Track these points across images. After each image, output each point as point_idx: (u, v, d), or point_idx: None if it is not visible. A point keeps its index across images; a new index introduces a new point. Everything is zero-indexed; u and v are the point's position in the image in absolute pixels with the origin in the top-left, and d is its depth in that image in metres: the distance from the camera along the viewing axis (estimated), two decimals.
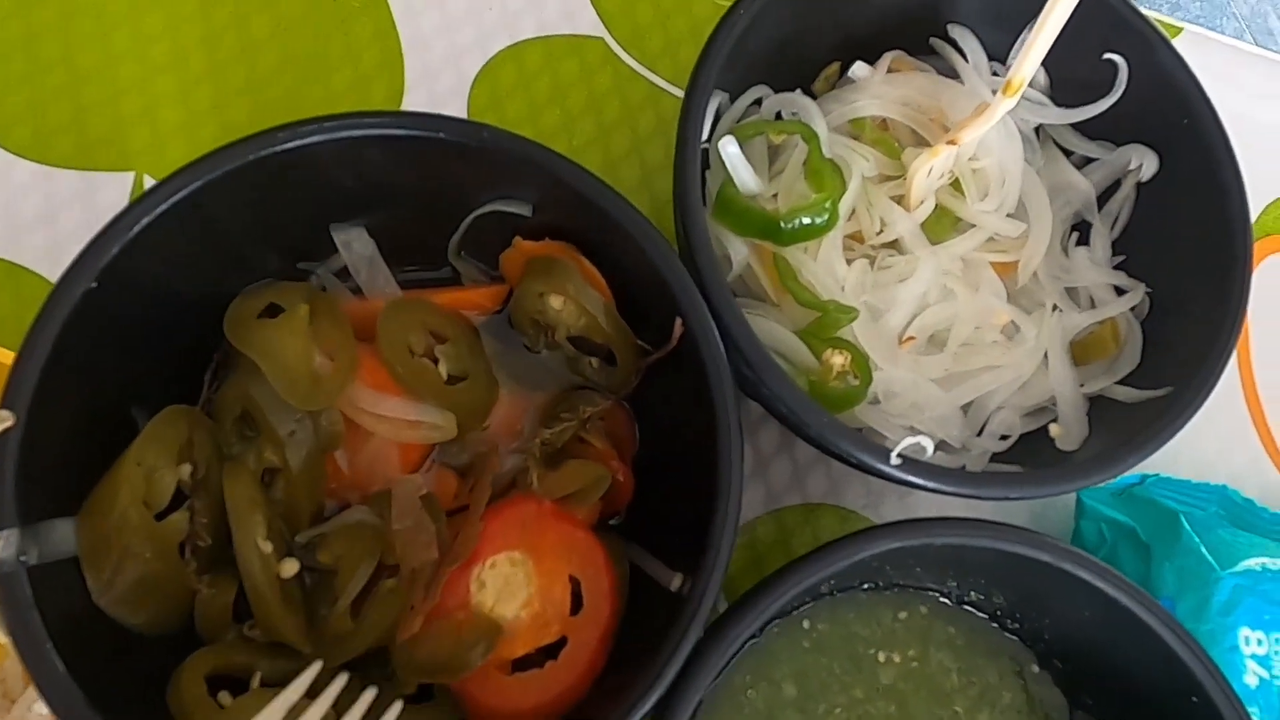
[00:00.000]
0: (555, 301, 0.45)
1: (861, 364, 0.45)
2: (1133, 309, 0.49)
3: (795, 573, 0.38)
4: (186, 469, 0.42)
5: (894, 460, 0.39)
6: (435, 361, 0.46)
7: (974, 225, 0.50)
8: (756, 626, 0.38)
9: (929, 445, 0.40)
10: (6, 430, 0.36)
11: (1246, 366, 0.62)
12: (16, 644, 0.34)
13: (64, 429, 0.38)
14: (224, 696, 0.38)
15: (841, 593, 0.47)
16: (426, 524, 0.42)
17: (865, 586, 0.48)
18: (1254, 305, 0.46)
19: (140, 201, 0.38)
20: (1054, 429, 0.46)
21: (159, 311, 0.42)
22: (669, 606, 0.40)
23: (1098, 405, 0.48)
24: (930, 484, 0.39)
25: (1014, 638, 0.48)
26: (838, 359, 0.45)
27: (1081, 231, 0.53)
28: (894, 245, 0.50)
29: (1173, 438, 0.42)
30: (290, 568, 0.42)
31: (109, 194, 0.55)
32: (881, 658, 0.47)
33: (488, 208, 0.45)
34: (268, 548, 0.41)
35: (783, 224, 0.46)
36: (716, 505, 0.38)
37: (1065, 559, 0.40)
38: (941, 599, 0.48)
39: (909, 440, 0.40)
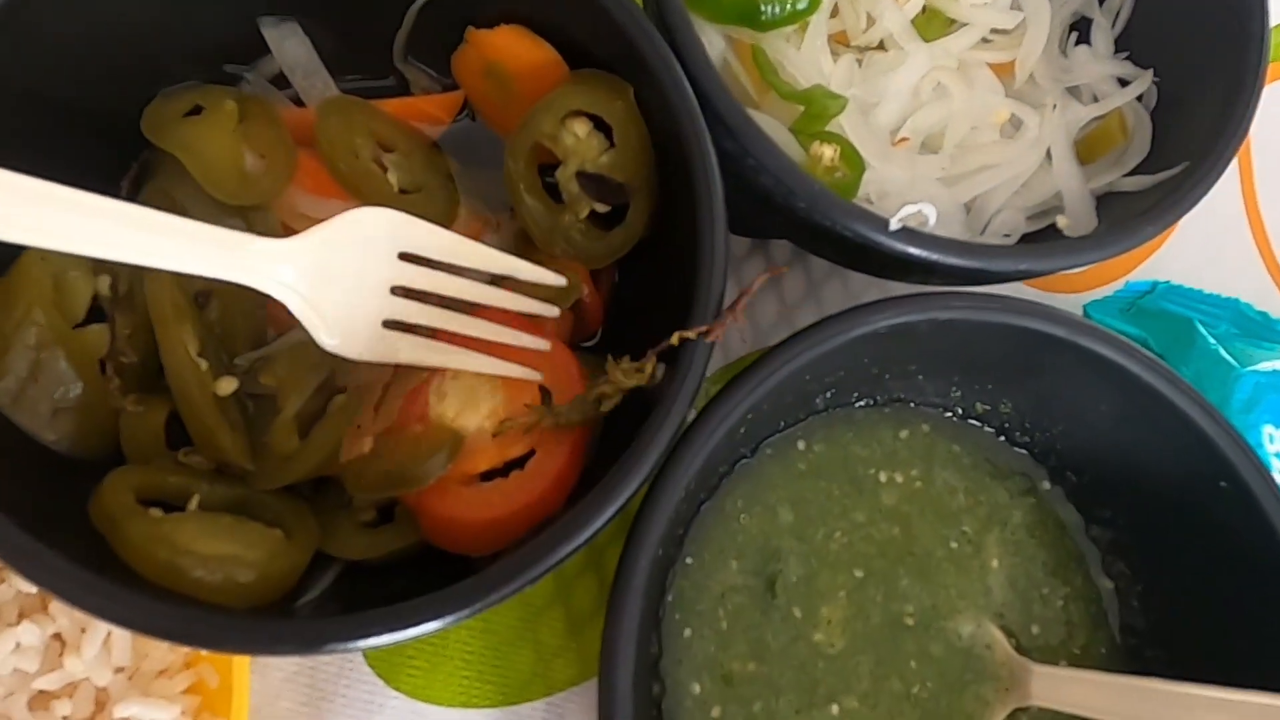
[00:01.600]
0: (580, 128, 0.40)
1: (851, 155, 0.42)
2: (1140, 99, 0.46)
3: (793, 345, 0.34)
4: (105, 280, 0.38)
5: (893, 226, 0.35)
6: (384, 171, 0.41)
7: (967, 24, 0.47)
8: (746, 408, 0.34)
9: (931, 214, 0.37)
10: None
11: (1251, 197, 0.59)
12: None
13: None
14: (155, 512, 0.34)
15: (837, 409, 0.44)
16: None
17: (861, 403, 0.44)
18: (1255, 130, 0.42)
19: None
20: (1061, 220, 0.43)
21: (64, 112, 0.37)
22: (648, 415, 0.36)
23: (1106, 203, 0.45)
24: (932, 255, 0.35)
25: (1023, 452, 0.44)
26: (827, 150, 0.41)
27: (1081, 31, 0.49)
28: (882, 48, 0.46)
29: (1193, 207, 0.38)
30: (227, 385, 0.37)
31: None
32: (883, 478, 0.44)
33: None
34: (202, 363, 0.37)
35: (762, 6, 0.42)
36: (698, 278, 0.34)
37: (1082, 333, 0.36)
38: (945, 413, 0.44)
39: (909, 208, 0.36)
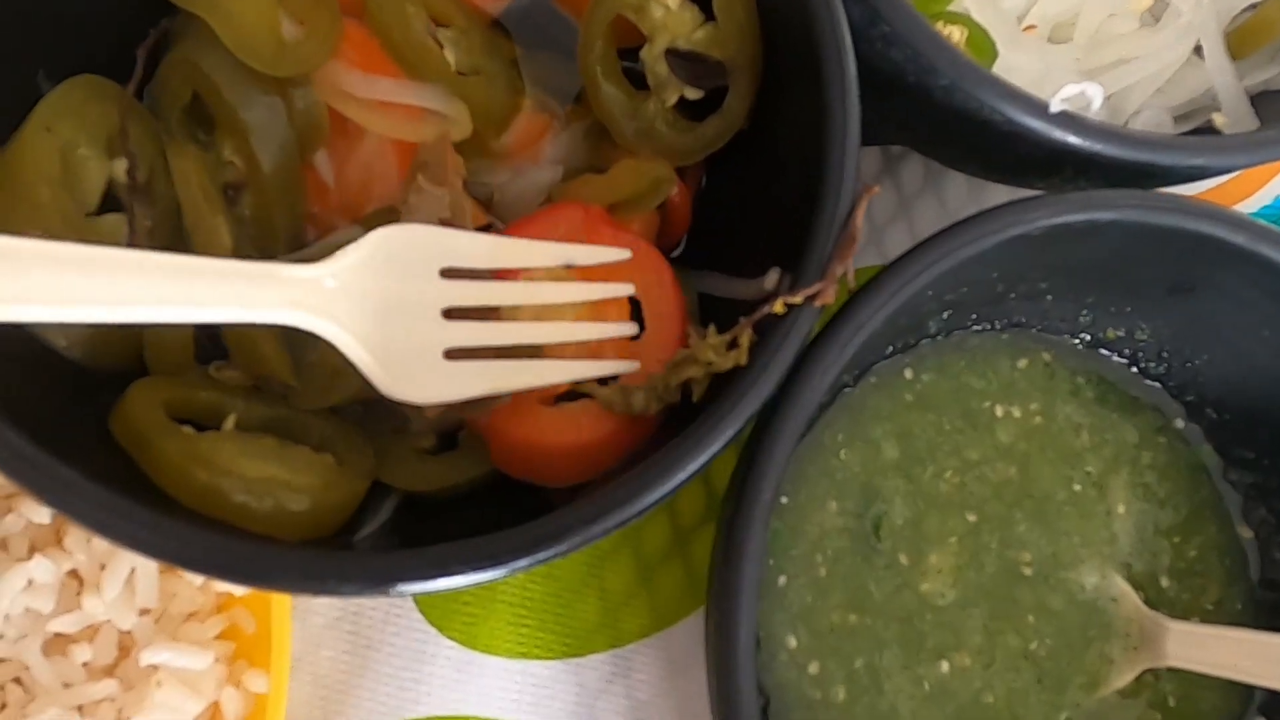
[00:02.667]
0: None
1: (980, 39, 0.36)
2: None
3: (946, 241, 0.29)
4: (122, 165, 0.32)
5: (1055, 107, 0.29)
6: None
7: None
8: (887, 315, 0.29)
9: (1097, 96, 0.31)
10: None
11: None
12: None
13: None
14: (188, 430, 0.29)
15: (951, 335, 0.39)
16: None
17: (978, 328, 0.39)
18: None
19: None
20: (1218, 118, 0.37)
21: None
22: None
23: (1260, 104, 0.39)
24: (1095, 145, 0.30)
25: (1157, 385, 0.40)
26: (955, 32, 0.36)
27: None
28: None
29: None
30: None
31: None
32: (999, 413, 0.39)
33: None
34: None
35: None
36: (824, 178, 0.29)
37: (1267, 241, 0.31)
38: (1071, 340, 0.39)
39: (1072, 88, 0.30)
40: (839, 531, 0.37)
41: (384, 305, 0.28)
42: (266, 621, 0.36)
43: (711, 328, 0.30)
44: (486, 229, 0.36)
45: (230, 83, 0.32)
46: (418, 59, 0.34)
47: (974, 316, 0.38)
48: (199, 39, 0.33)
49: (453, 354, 0.30)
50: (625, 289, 0.32)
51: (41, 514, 0.33)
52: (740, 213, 0.36)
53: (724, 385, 0.28)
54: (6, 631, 0.32)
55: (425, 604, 0.40)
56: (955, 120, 0.32)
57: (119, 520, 0.23)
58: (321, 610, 0.39)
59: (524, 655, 0.40)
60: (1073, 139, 0.30)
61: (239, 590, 0.36)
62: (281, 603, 0.35)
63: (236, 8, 0.32)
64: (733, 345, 0.29)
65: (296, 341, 0.33)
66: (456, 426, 0.33)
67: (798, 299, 0.28)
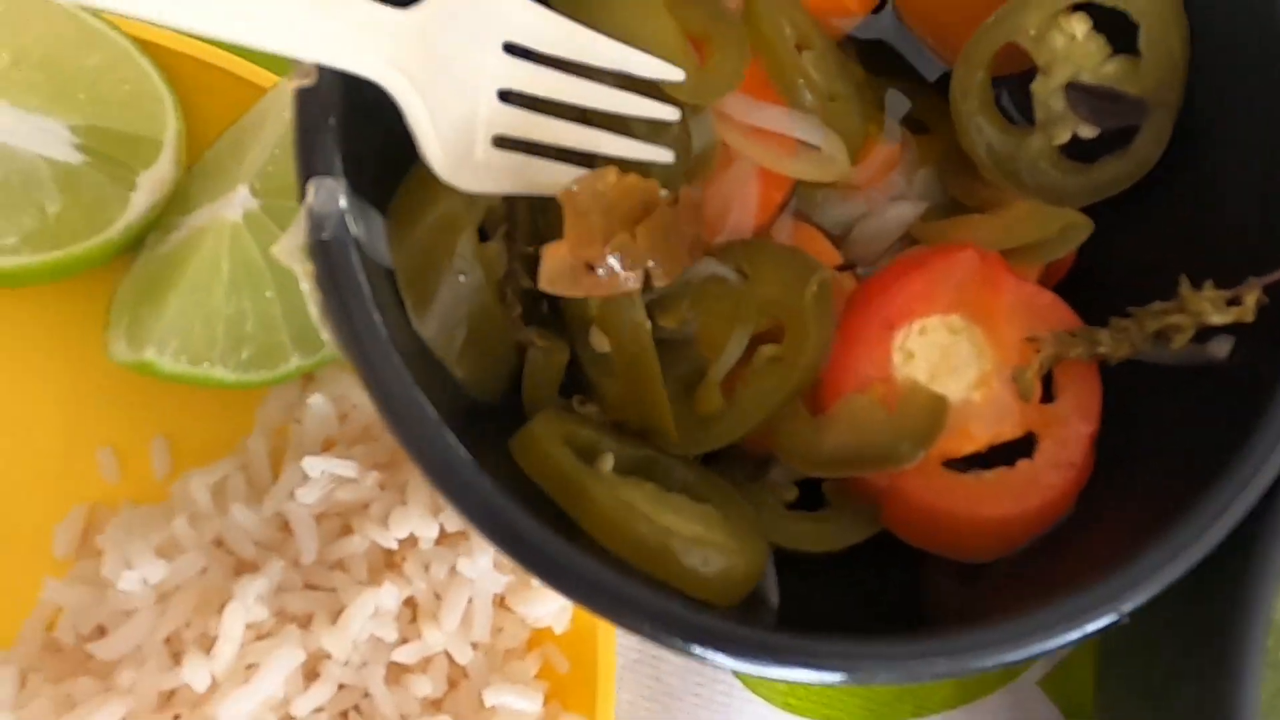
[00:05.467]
0: (1079, 26, 0.31)
1: None
2: None
3: None
4: None
5: None
6: None
7: None
8: None
9: None
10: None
11: None
12: (339, 326, 0.23)
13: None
14: (609, 474, 0.27)
15: None
16: None
17: None
18: None
19: None
20: None
21: None
22: (1186, 393, 0.28)
23: None
24: None
25: None
26: None
27: None
28: None
29: None
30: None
31: None
32: None
33: None
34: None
35: None
36: None
37: None
38: None
39: None
40: None
41: (449, 65, 0.25)
42: (582, 663, 0.34)
43: (1208, 283, 0.26)
44: (846, 269, 0.34)
45: None
46: (796, 86, 0.32)
47: None
48: None
49: (501, 143, 0.27)
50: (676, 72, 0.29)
51: (386, 538, 0.32)
52: (1144, 257, 0.32)
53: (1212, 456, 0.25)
54: (351, 658, 0.32)
55: None
56: None
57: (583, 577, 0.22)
58: (621, 652, 0.38)
59: (829, 718, 0.38)
60: None
61: (558, 628, 0.35)
62: (608, 646, 0.34)
63: (634, 26, 0.30)
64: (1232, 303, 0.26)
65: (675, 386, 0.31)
66: (847, 475, 0.31)
67: None
